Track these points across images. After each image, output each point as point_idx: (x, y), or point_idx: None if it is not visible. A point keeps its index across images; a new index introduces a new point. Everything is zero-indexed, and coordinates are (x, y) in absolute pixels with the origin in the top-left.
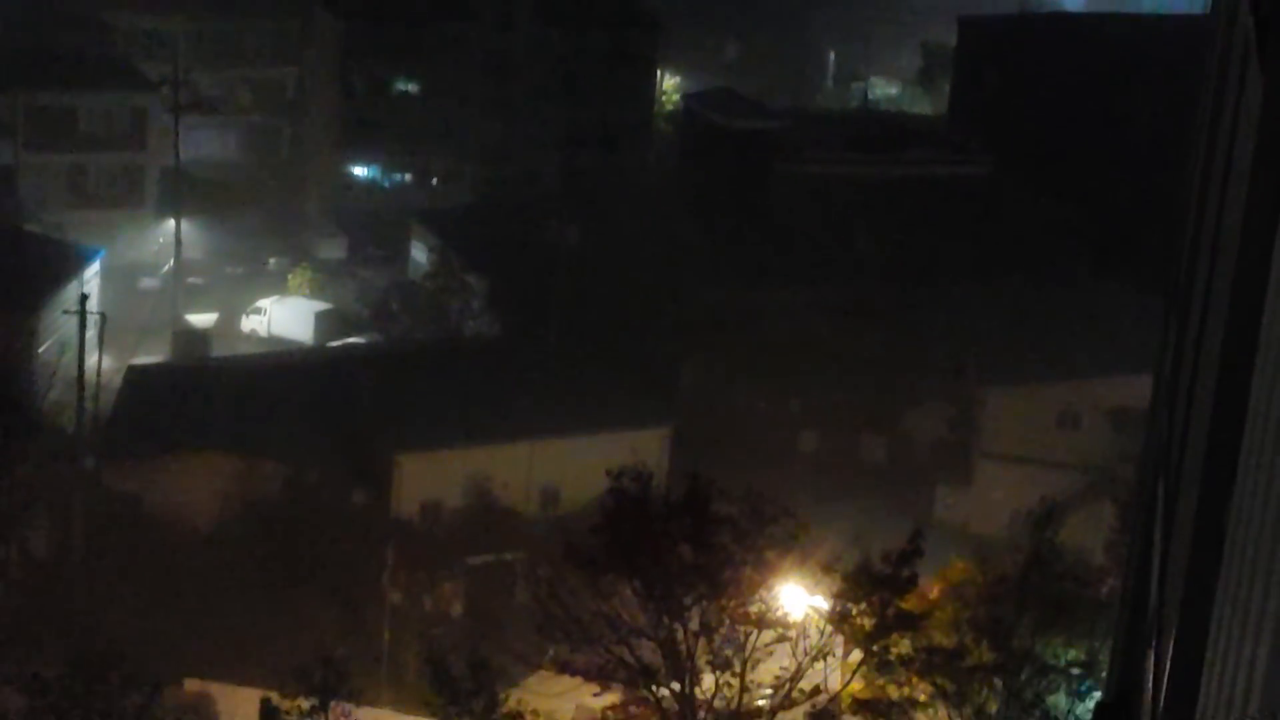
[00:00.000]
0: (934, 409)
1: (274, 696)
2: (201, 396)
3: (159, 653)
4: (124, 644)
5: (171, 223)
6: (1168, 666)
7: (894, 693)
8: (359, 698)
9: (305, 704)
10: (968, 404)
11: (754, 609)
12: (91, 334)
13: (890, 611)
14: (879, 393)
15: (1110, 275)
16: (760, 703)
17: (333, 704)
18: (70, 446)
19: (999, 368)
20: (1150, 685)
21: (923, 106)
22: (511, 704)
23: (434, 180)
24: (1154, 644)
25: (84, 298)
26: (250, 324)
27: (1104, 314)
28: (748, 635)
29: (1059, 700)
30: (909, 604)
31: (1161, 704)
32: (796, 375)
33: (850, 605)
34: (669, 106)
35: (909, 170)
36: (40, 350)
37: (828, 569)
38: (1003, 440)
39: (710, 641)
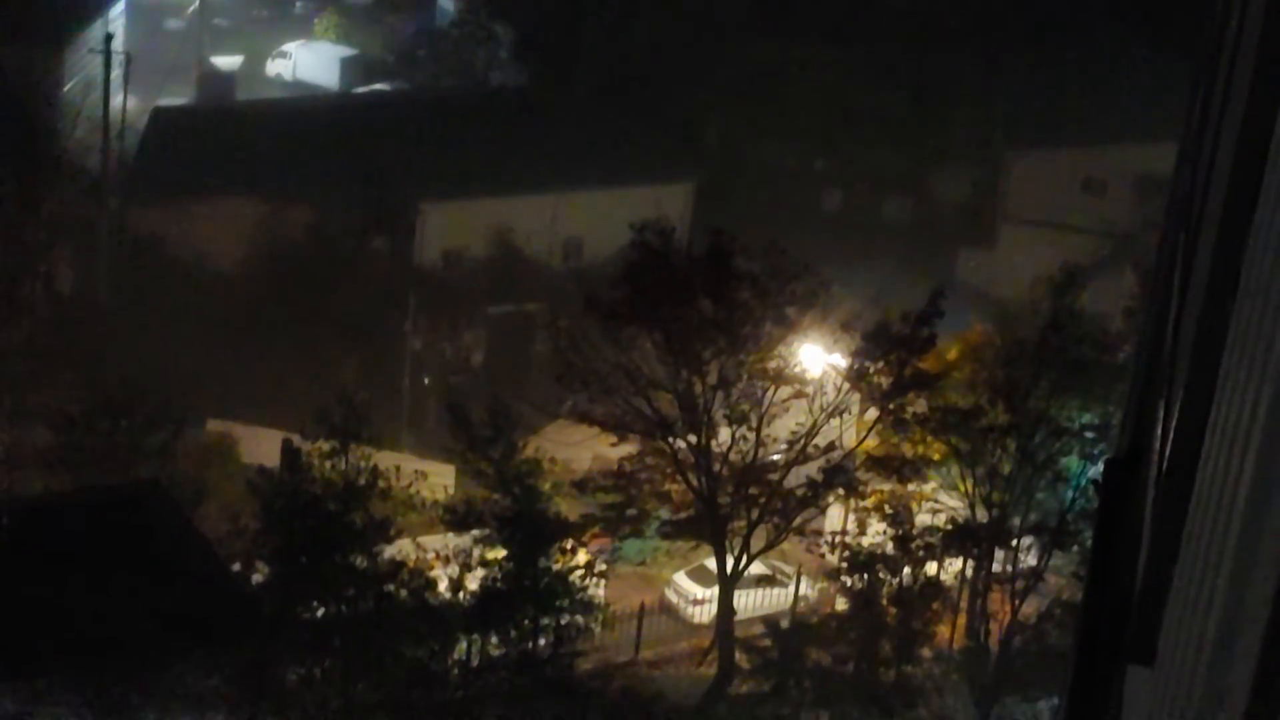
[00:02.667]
0: (959, 171)
1: (295, 438)
2: (226, 140)
3: (182, 393)
4: (147, 383)
5: None
6: (1175, 416)
7: (908, 451)
8: (379, 441)
9: (326, 446)
10: (993, 166)
11: (772, 365)
12: (116, 74)
13: (908, 371)
14: (904, 153)
15: (1139, 38)
16: (775, 457)
17: (353, 446)
18: (95, 186)
19: (1026, 130)
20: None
21: None
22: (529, 452)
23: None
24: (1164, 398)
25: (109, 37)
26: (275, 68)
27: (1132, 78)
28: (765, 390)
29: (1072, 462)
30: (927, 364)
31: (1168, 453)
32: (822, 133)
33: (868, 363)
34: None
35: None
36: (65, 89)
37: (847, 327)
38: (1027, 204)
39: (727, 395)
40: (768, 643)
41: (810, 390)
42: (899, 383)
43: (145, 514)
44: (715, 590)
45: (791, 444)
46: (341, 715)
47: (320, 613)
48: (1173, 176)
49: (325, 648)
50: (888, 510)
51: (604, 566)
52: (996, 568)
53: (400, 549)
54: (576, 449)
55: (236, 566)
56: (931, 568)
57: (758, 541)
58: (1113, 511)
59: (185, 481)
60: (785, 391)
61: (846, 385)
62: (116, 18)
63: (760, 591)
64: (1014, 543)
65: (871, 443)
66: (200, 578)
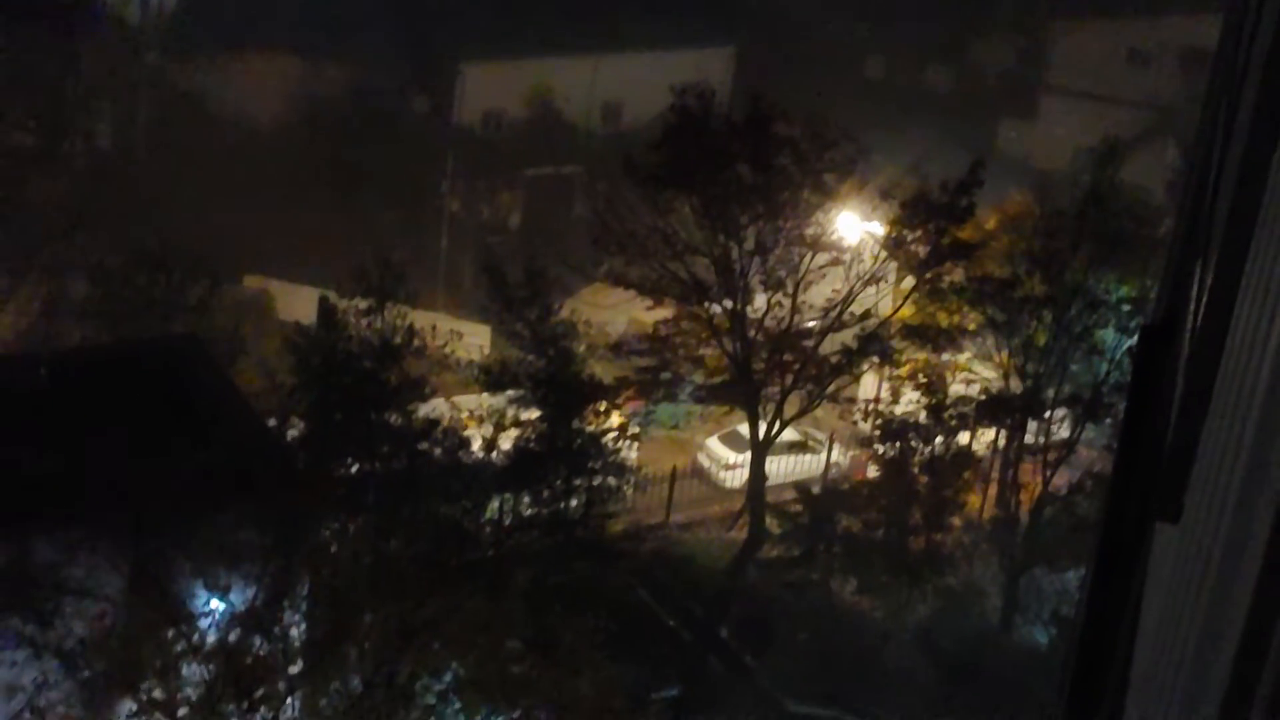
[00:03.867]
0: (1003, 39)
1: (331, 295)
2: None
3: (219, 248)
4: (185, 238)
5: None
6: (1209, 283)
7: (944, 320)
8: (415, 301)
9: (362, 304)
10: (1037, 36)
11: (809, 231)
12: None
13: (945, 240)
14: (949, 21)
15: None
16: (810, 324)
17: (389, 305)
18: (134, 40)
19: (1071, 1)
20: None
21: None
22: (565, 314)
23: None
24: (1200, 267)
25: None
26: None
27: None
28: (802, 257)
29: (1107, 335)
30: (965, 233)
31: (1200, 316)
32: None
33: (906, 232)
34: None
35: None
36: None
37: (885, 195)
38: (1070, 74)
39: (764, 261)
40: (798, 508)
41: (847, 258)
42: (936, 252)
43: (182, 368)
44: (747, 455)
45: (827, 311)
46: (373, 571)
47: (354, 469)
48: (1216, 49)
49: (359, 504)
50: (921, 379)
51: (637, 430)
52: (1029, 439)
53: (435, 408)
54: (612, 312)
55: (272, 422)
56: (964, 437)
57: (791, 408)
58: (1146, 376)
59: (222, 336)
60: (822, 258)
61: (883, 253)
62: None
63: (792, 457)
64: (1047, 414)
65: (907, 311)
66: (236, 432)
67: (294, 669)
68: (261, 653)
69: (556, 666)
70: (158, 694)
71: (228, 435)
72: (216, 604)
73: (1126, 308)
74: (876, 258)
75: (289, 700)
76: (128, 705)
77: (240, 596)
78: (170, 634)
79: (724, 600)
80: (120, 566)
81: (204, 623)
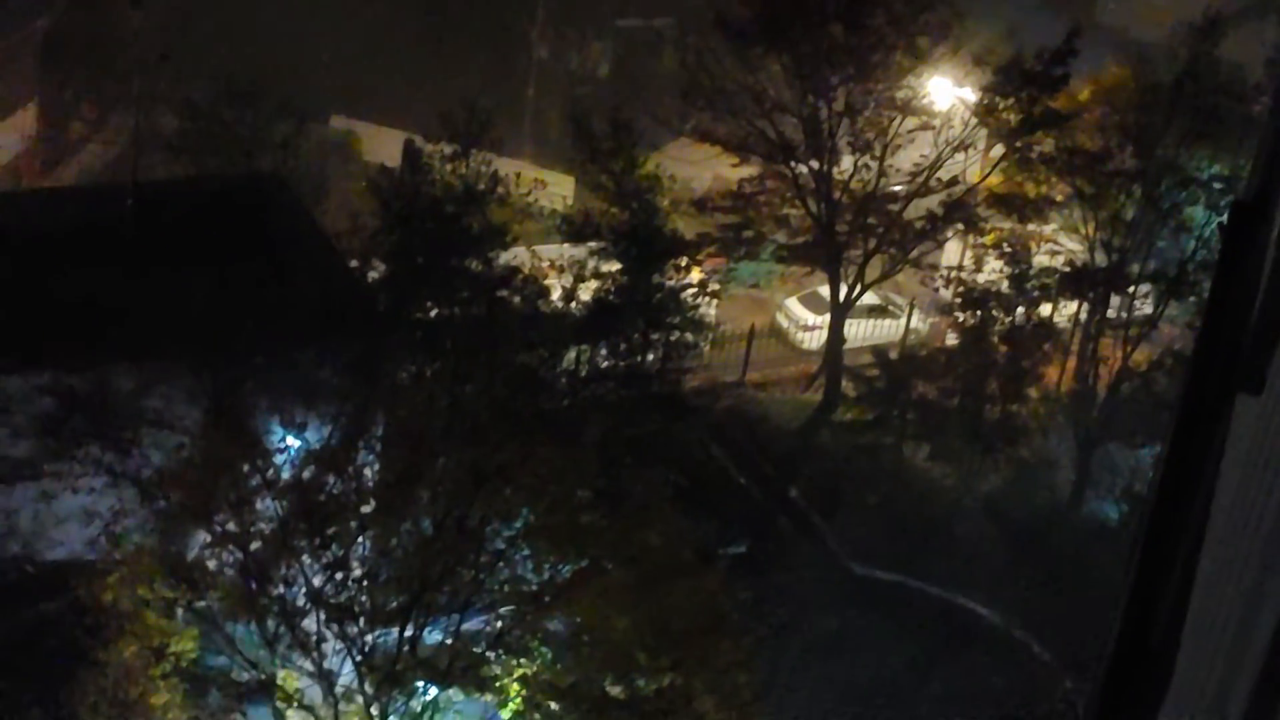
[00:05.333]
0: None
1: (417, 139)
2: None
3: (307, 87)
4: (273, 76)
5: None
6: None
7: (1031, 190)
8: (500, 148)
9: (447, 149)
10: None
11: (900, 94)
12: None
13: (1038, 109)
14: None
15: None
16: (896, 188)
17: (474, 151)
18: None
19: None
20: None
21: None
22: (650, 167)
23: None
24: None
25: None
26: None
27: None
28: (891, 120)
29: (1196, 212)
30: (1057, 103)
31: None
32: None
33: (998, 99)
34: None
35: None
36: None
37: (979, 61)
38: None
39: (853, 123)
40: (875, 372)
41: (937, 123)
42: (1028, 121)
43: (266, 206)
44: (826, 317)
45: (914, 176)
46: (449, 415)
47: (433, 313)
48: None
49: (436, 348)
50: (1006, 249)
51: (717, 286)
52: (1111, 314)
53: (515, 256)
54: (697, 168)
55: (353, 263)
56: (1045, 309)
57: (872, 271)
58: (1235, 251)
59: (307, 176)
60: (911, 122)
61: (974, 120)
62: None
63: (871, 321)
64: (1131, 289)
65: (995, 180)
66: (318, 272)
67: (366, 508)
68: (335, 491)
69: (626, 518)
70: (231, 526)
71: (309, 274)
72: (292, 441)
73: (1218, 185)
74: (967, 124)
75: (360, 539)
76: (201, 536)
77: (316, 434)
78: (245, 468)
79: (795, 460)
80: (199, 400)
81: (279, 459)
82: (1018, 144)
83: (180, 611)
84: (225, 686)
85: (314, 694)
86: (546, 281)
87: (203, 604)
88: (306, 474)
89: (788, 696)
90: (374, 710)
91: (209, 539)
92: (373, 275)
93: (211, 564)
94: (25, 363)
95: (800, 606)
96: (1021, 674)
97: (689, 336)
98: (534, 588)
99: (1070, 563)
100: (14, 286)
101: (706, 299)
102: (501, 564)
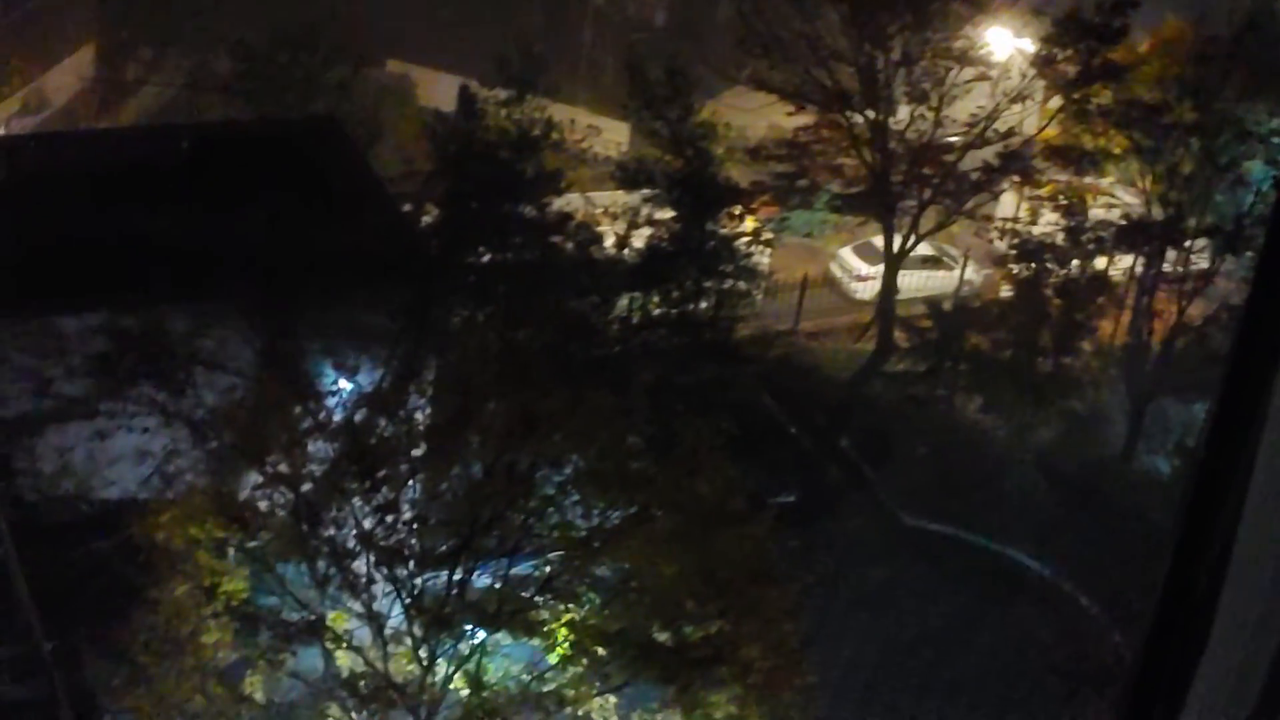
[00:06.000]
0: None
1: (472, 84)
2: None
3: (364, 31)
4: (330, 19)
5: None
6: None
7: (1089, 142)
8: (555, 94)
9: (502, 94)
10: None
11: (957, 44)
12: None
13: (1096, 61)
14: None
15: None
16: (952, 139)
17: (529, 96)
18: None
19: None
20: None
21: None
22: (705, 115)
23: None
24: None
25: None
26: None
27: None
28: (948, 70)
29: (1254, 166)
30: (1116, 55)
31: None
32: None
33: (1056, 50)
34: None
35: None
36: None
37: (1037, 12)
38: None
39: (909, 72)
40: (928, 323)
41: (994, 73)
42: (1086, 72)
43: (320, 148)
44: (879, 267)
45: (970, 127)
46: (500, 359)
47: (486, 259)
48: None
49: (489, 293)
50: (1062, 201)
51: (770, 235)
52: (1166, 268)
53: (569, 202)
54: (752, 116)
55: (407, 208)
56: (1100, 262)
57: (927, 222)
58: None
59: (361, 120)
60: (969, 73)
61: (1032, 71)
62: None
63: (925, 272)
64: (1187, 243)
65: (1052, 132)
66: (371, 216)
67: (416, 452)
68: (386, 434)
69: (676, 465)
70: (283, 468)
71: (363, 218)
72: (344, 383)
73: (1277, 140)
74: (1024, 75)
75: (410, 482)
76: (253, 477)
77: (367, 377)
78: (298, 410)
79: (846, 410)
80: (252, 342)
81: (331, 401)
82: (1076, 96)
83: (231, 551)
84: (275, 626)
85: (363, 635)
86: (600, 228)
87: (254, 544)
88: (358, 416)
89: (834, 646)
90: (422, 652)
91: (261, 480)
92: (426, 220)
93: (263, 505)
94: (81, 302)
95: (849, 556)
96: (1070, 627)
97: (742, 285)
98: (583, 533)
99: (1121, 517)
100: (71, 226)
101: (760, 248)
102: (551, 509)
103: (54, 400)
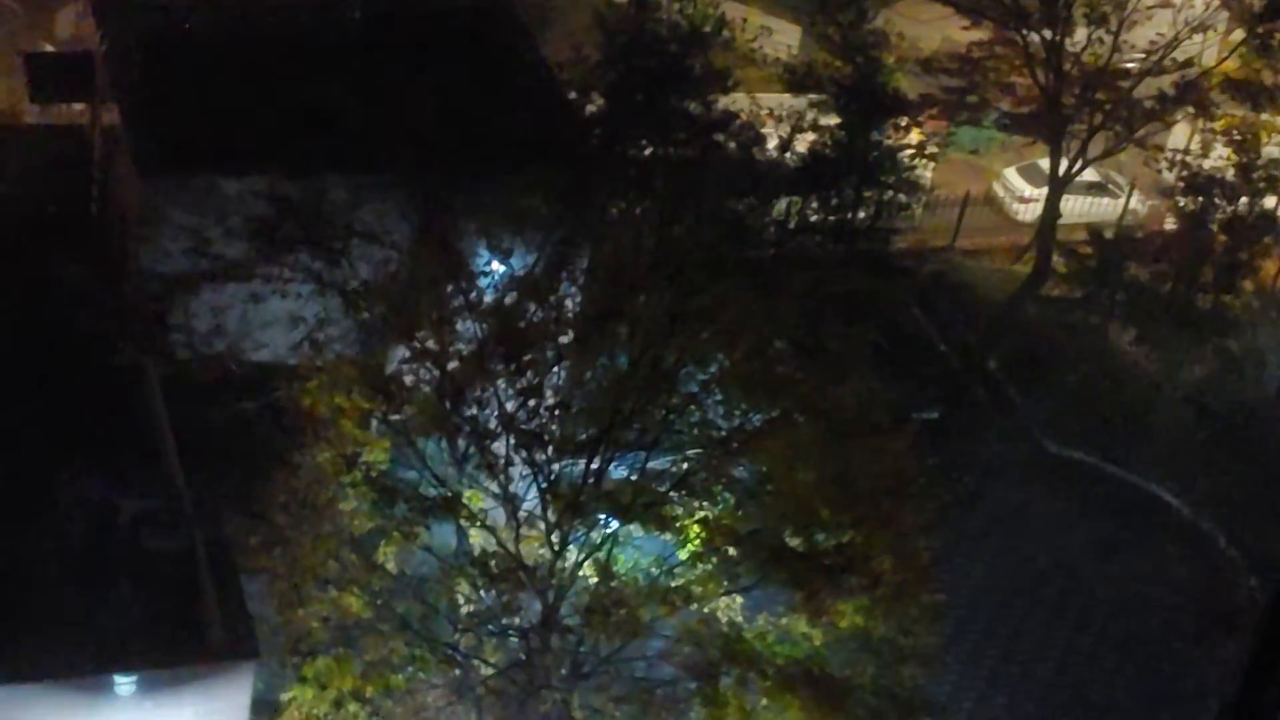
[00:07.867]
0: None
1: None
2: None
3: None
4: None
5: None
6: None
7: (1268, 78)
8: None
9: None
10: None
11: None
12: None
13: None
14: None
15: None
16: (1129, 65)
17: None
18: None
19: None
20: None
21: None
22: (879, 22)
23: None
24: None
25: None
26: None
27: None
28: None
29: None
30: None
31: None
32: None
33: None
34: None
35: None
36: None
37: None
38: None
39: None
40: (1088, 250)
41: (1177, 1)
42: (1273, 6)
43: (491, 29)
44: (1043, 190)
45: (1148, 54)
46: (654, 254)
47: (647, 152)
48: None
49: (648, 187)
50: (1236, 136)
51: (935, 149)
52: None
53: (735, 101)
54: (926, 28)
55: (573, 95)
56: (1270, 201)
57: (1095, 147)
58: None
59: (533, 4)
60: None
61: (1216, 1)
62: None
63: (1089, 199)
64: None
65: (1231, 65)
66: (537, 100)
67: (564, 339)
68: (535, 319)
69: (821, 372)
70: (431, 344)
71: (528, 102)
72: (497, 265)
73: None
74: (1208, 5)
75: (555, 368)
76: (401, 351)
77: (520, 261)
78: (449, 288)
79: (997, 331)
80: (410, 217)
81: (483, 282)
82: (1259, 29)
83: (375, 422)
84: (412, 500)
85: (497, 516)
86: (763, 130)
87: (397, 417)
88: (508, 299)
89: (967, 566)
90: (554, 537)
91: (408, 354)
92: (590, 109)
93: (408, 379)
94: (244, 167)
95: (987, 478)
96: (1206, 567)
97: (902, 197)
98: (722, 433)
99: (1268, 462)
100: (238, 93)
101: (923, 161)
102: (692, 407)
103: (211, 261)
